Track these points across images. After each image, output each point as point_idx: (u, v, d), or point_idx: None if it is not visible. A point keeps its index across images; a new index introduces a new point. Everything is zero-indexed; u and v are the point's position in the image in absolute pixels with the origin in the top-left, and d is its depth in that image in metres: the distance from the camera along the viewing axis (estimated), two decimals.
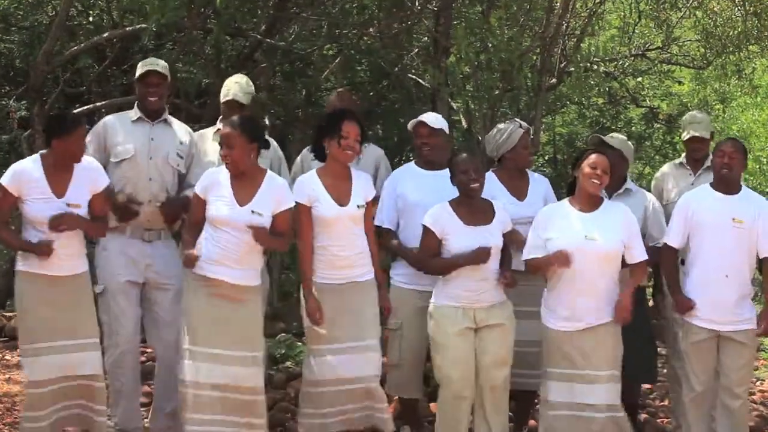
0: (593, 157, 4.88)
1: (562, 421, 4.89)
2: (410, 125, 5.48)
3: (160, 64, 5.30)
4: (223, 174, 4.75)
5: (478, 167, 4.94)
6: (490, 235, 4.88)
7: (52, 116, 4.89)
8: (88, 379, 4.76)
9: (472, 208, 4.92)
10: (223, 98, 5.48)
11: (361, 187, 4.97)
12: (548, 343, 4.96)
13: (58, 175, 4.68)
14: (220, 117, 5.56)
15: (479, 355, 4.91)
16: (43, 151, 4.77)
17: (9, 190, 4.65)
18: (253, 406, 4.72)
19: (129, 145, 5.16)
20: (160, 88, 5.27)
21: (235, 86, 5.47)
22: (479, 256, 4.80)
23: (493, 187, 5.27)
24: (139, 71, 5.25)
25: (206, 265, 4.68)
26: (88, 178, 4.78)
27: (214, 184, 4.72)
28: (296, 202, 4.85)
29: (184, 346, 4.69)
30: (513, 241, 5.05)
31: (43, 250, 4.62)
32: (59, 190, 4.67)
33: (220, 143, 4.81)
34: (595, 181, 4.84)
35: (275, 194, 4.77)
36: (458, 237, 4.87)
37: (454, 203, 4.95)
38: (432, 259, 4.93)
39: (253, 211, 4.69)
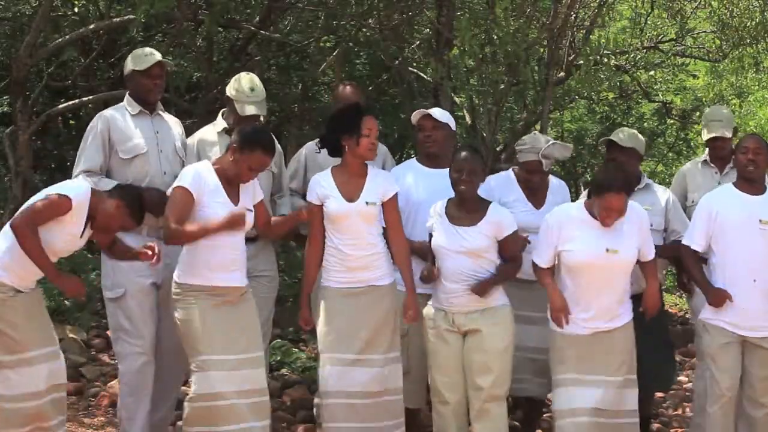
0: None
1: (582, 428, 4.84)
2: (414, 118, 5.49)
3: (161, 55, 5.30)
4: (207, 171, 4.76)
5: (475, 169, 4.94)
6: (467, 236, 4.92)
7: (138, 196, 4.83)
8: (63, 389, 4.74)
9: (463, 208, 5.00)
10: (241, 112, 5.26)
11: (377, 185, 4.96)
12: (558, 347, 4.96)
13: None
14: (222, 112, 5.45)
15: (464, 361, 4.97)
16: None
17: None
18: (263, 408, 4.73)
19: (139, 140, 5.13)
20: (163, 80, 5.31)
21: (251, 97, 5.30)
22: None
23: (510, 189, 5.36)
24: (143, 63, 5.18)
25: (210, 274, 4.65)
26: None
27: (205, 184, 4.71)
28: (308, 201, 4.96)
29: (200, 358, 4.61)
30: (515, 244, 5.05)
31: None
32: None
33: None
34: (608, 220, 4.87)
35: (250, 186, 4.82)
36: (438, 233, 4.99)
37: (451, 200, 5.05)
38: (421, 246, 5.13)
39: (248, 209, 4.74)
